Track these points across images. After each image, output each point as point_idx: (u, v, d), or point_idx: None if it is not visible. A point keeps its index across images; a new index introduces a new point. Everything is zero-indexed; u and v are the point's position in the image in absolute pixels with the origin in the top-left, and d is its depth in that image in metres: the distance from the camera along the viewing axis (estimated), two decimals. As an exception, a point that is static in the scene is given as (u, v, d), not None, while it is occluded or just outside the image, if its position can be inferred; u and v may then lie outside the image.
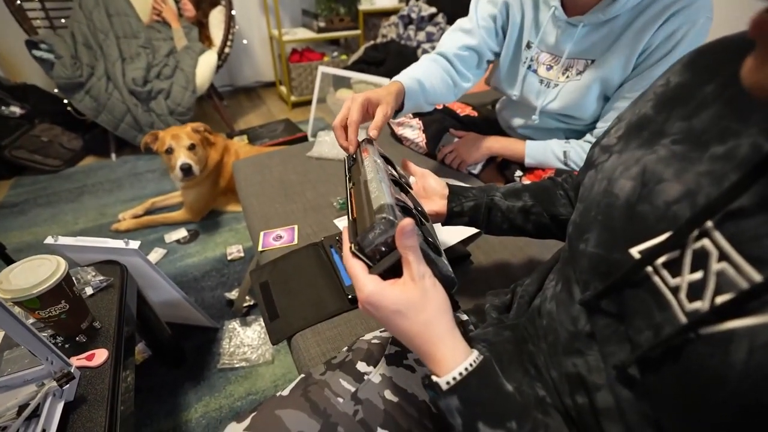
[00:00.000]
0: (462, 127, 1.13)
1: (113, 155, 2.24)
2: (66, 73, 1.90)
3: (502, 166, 1.07)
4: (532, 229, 0.60)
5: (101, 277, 0.77)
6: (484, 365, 0.34)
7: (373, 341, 0.50)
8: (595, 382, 0.35)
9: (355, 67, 2.34)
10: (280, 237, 0.86)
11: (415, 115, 1.14)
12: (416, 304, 0.34)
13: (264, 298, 0.74)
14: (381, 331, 0.55)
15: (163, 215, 1.68)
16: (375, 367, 0.46)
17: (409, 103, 0.76)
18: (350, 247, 0.38)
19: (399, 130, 1.17)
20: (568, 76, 0.84)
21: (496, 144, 1.01)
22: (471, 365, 0.33)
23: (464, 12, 0.94)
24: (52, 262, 0.62)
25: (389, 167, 0.58)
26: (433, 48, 1.02)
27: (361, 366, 0.46)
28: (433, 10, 2.25)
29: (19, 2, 2.02)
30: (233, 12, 2.35)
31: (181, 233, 1.61)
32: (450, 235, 0.83)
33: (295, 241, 0.85)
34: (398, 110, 0.76)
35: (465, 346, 0.34)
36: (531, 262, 0.79)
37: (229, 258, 1.49)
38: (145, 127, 2.10)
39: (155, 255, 1.50)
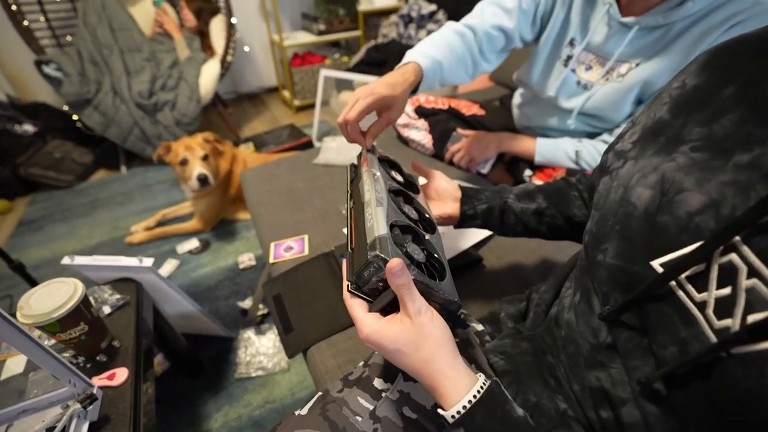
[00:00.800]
0: (469, 127, 1.12)
1: (123, 168, 2.27)
2: (74, 90, 1.93)
3: (511, 165, 1.06)
4: (546, 231, 0.59)
5: (118, 296, 0.78)
6: (489, 393, 0.33)
7: (389, 355, 0.50)
8: (620, 396, 0.34)
9: (357, 68, 2.34)
10: (291, 248, 0.87)
11: (420, 115, 1.14)
12: (414, 341, 0.34)
13: (278, 312, 0.74)
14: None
15: (175, 226, 1.70)
16: (392, 383, 0.45)
17: (423, 87, 0.72)
18: (347, 286, 0.38)
19: (404, 132, 1.16)
20: (608, 78, 0.80)
21: (505, 141, 0.99)
22: (475, 396, 0.33)
23: (465, 9, 0.89)
24: (69, 286, 0.63)
25: (392, 173, 0.57)
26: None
27: (378, 383, 0.46)
28: (433, 7, 2.23)
29: (27, 23, 2.05)
30: (233, 20, 2.36)
31: (193, 243, 1.63)
32: (462, 238, 0.83)
33: (306, 252, 0.85)
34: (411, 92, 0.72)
35: (468, 377, 0.34)
36: (545, 264, 0.78)
37: (240, 267, 1.50)
38: (153, 138, 2.13)
39: (169, 266, 1.52)
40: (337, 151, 1.20)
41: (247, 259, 1.53)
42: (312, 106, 2.56)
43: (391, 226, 0.41)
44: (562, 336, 0.43)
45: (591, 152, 0.87)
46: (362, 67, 2.32)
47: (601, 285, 0.35)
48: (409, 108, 1.16)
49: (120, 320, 0.76)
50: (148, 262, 0.81)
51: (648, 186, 0.31)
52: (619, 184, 0.35)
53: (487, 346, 0.50)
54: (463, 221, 0.60)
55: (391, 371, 0.47)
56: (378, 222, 0.39)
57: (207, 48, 2.40)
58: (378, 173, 0.50)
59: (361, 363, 0.51)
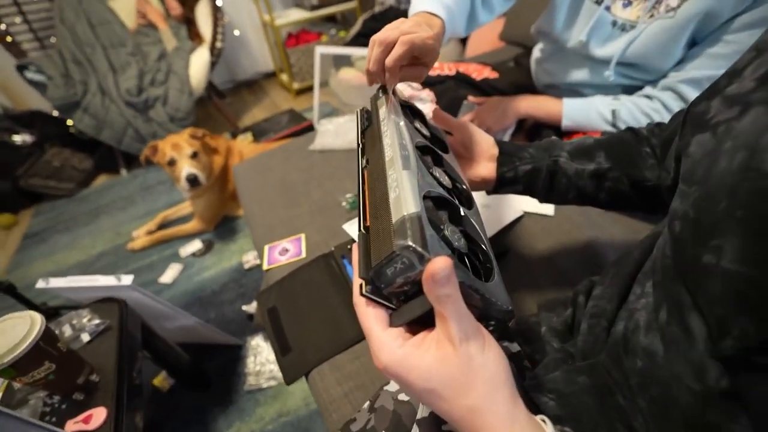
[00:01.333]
0: (481, 94, 0.97)
1: (123, 171, 2.20)
2: (60, 93, 1.84)
3: (533, 133, 0.91)
4: (605, 198, 0.47)
5: (97, 321, 0.70)
6: None
7: (399, 397, 0.38)
8: None
9: (355, 42, 2.17)
10: (287, 250, 0.76)
11: (425, 85, 0.99)
12: (457, 380, 0.23)
13: (273, 329, 0.64)
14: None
15: (176, 228, 1.62)
16: None
17: (448, 33, 0.57)
18: (361, 287, 0.26)
19: (409, 107, 1.02)
20: (653, 15, 0.64)
21: (524, 104, 0.85)
22: None
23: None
24: (25, 321, 0.54)
25: (417, 125, 0.43)
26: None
27: None
28: (432, -36, 2.01)
29: (4, 27, 1.96)
30: (219, 2, 2.21)
31: (196, 245, 1.55)
32: (487, 221, 0.70)
33: (303, 254, 0.74)
34: None
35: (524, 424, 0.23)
36: (589, 251, 0.65)
37: (246, 267, 1.41)
38: (148, 137, 2.04)
39: (172, 272, 1.45)
40: (335, 134, 1.08)
41: (252, 258, 1.44)
42: (312, 88, 2.42)
43: (423, 199, 0.29)
44: (639, 370, 0.30)
45: (632, 111, 0.72)
46: (360, 41, 2.15)
47: (711, 303, 0.23)
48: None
49: (100, 348, 0.67)
50: (127, 279, 0.72)
51: None
52: (736, 145, 0.23)
53: (529, 377, 0.38)
54: (500, 186, 0.48)
55: (402, 423, 0.36)
56: (406, 192, 0.27)
57: (195, 36, 2.27)
58: (402, 122, 0.38)
59: (367, 404, 0.41)
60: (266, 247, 0.78)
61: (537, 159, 0.47)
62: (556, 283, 0.60)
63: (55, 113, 2.06)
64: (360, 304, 0.27)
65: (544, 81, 0.92)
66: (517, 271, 0.64)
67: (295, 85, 2.68)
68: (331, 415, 0.52)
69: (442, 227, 0.29)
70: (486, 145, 0.48)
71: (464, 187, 0.40)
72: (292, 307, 0.66)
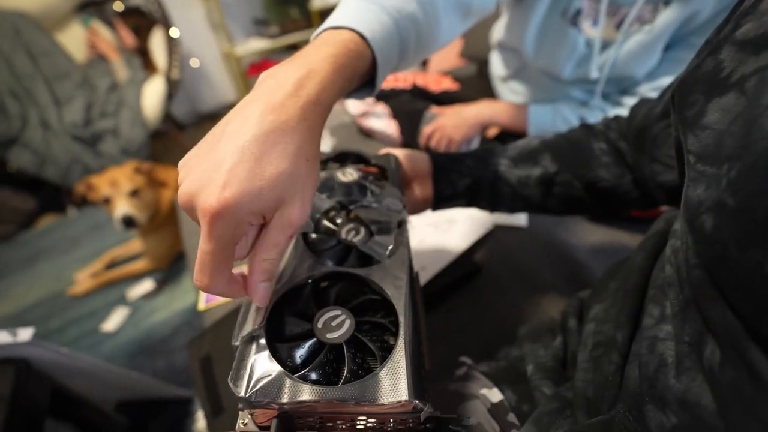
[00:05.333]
0: (441, 107, 0.92)
1: (71, 210, 2.03)
2: (-6, 128, 1.69)
3: (500, 143, 0.86)
4: (557, 206, 0.42)
5: (-18, 390, 0.56)
6: None
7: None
8: None
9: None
10: (227, 286, 0.65)
11: (379, 98, 0.93)
12: None
13: (205, 384, 0.52)
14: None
15: (125, 268, 1.46)
16: None
17: (383, 73, 0.35)
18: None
19: (364, 123, 0.95)
20: (626, 30, 0.59)
21: (487, 110, 0.80)
22: None
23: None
24: None
25: (340, 175, 0.36)
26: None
27: None
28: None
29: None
30: (176, 33, 2.15)
31: (146, 286, 1.40)
32: (454, 237, 0.62)
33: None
34: (362, 88, 0.36)
35: None
36: (568, 262, 0.58)
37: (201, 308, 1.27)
38: (98, 172, 1.90)
39: (117, 318, 1.29)
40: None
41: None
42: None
43: (300, 289, 0.28)
44: (676, 428, 0.21)
45: (599, 117, 0.68)
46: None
47: None
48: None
49: (-18, 426, 0.53)
50: (25, 334, 0.59)
51: None
52: None
53: None
54: (439, 203, 0.43)
55: None
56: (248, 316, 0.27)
57: (149, 67, 2.19)
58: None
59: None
60: (205, 284, 0.67)
61: (476, 170, 0.42)
62: (537, 304, 0.52)
63: (-11, 152, 1.89)
64: None
65: (510, 100, 0.87)
66: (491, 293, 0.55)
67: (260, 114, 2.62)
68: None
69: (311, 325, 0.26)
70: (419, 163, 0.43)
71: (388, 222, 0.33)
72: (230, 356, 0.55)
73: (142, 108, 1.97)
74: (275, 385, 0.22)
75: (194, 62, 2.68)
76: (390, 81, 0.96)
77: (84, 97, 1.89)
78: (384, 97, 0.93)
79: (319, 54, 0.28)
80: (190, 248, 0.79)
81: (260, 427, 0.23)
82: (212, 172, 0.22)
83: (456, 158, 0.43)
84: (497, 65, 0.91)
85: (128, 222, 1.25)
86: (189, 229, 0.84)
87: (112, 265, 1.55)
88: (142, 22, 2.22)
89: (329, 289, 0.29)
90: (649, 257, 0.30)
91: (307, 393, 0.22)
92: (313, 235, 0.32)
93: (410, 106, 0.89)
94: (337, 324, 0.25)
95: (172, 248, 1.48)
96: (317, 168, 0.26)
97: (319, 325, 0.25)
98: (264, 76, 0.28)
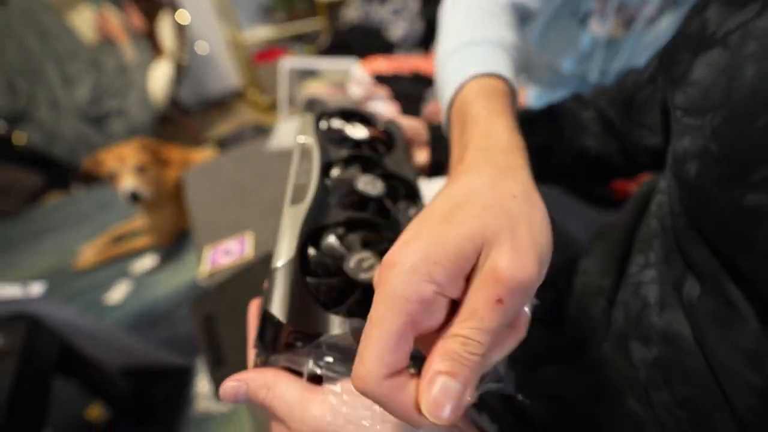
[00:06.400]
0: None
1: (76, 188, 2.06)
2: (2, 103, 1.72)
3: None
4: (545, 174, 0.42)
5: (-4, 340, 0.59)
6: None
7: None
8: None
9: (321, 56, 2.15)
10: (230, 251, 0.68)
11: (381, 81, 0.95)
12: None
13: (207, 339, 0.55)
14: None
15: (127, 243, 1.50)
16: None
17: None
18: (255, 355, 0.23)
19: (367, 107, 0.98)
20: (631, 28, 0.61)
21: None
22: None
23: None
24: None
25: (347, 130, 0.37)
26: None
27: None
28: (397, -20, 2.05)
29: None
30: (185, 18, 2.17)
31: (149, 261, 1.43)
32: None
33: (249, 253, 0.66)
34: None
35: None
36: (556, 234, 0.60)
37: (199, 294, 1.30)
38: (104, 152, 1.93)
39: (120, 291, 1.32)
40: (294, 134, 1.02)
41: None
42: (279, 103, 2.37)
43: (323, 229, 0.27)
44: (654, 360, 0.23)
45: None
46: (328, 53, 2.14)
47: (759, 260, 0.17)
48: (367, 77, 0.98)
49: (-3, 373, 0.56)
50: (37, 288, 0.62)
51: None
52: (765, 42, 0.18)
53: (506, 384, 0.30)
54: (436, 170, 0.44)
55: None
56: (284, 239, 0.24)
57: (157, 50, 2.21)
58: (311, 140, 0.33)
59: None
60: (207, 249, 0.69)
61: None
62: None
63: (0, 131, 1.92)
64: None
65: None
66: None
67: (264, 101, 2.64)
68: (266, 435, 0.43)
69: (345, 258, 0.26)
70: (416, 131, 0.44)
71: (408, 180, 0.34)
72: (232, 314, 0.58)
73: (149, 90, 2.00)
74: (312, 315, 0.22)
75: (203, 48, 2.69)
76: (392, 67, 0.98)
77: (92, 77, 1.91)
78: (385, 81, 0.96)
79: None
80: (194, 219, 0.82)
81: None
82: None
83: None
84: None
85: (133, 197, 1.28)
86: (194, 202, 0.86)
87: (116, 241, 1.58)
88: (151, 6, 2.23)
89: (353, 234, 0.28)
90: (635, 215, 0.32)
91: (339, 326, 0.21)
92: (328, 182, 0.31)
93: (409, 90, 0.91)
94: (367, 266, 0.25)
95: (174, 225, 1.51)
96: None
97: (351, 265, 0.25)
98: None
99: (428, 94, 0.89)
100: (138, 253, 1.49)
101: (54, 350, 0.67)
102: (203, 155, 1.66)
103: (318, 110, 0.39)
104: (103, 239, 1.55)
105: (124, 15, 2.17)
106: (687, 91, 0.23)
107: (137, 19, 2.16)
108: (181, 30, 2.12)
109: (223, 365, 0.51)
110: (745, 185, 0.17)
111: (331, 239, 0.26)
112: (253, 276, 0.62)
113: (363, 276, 0.24)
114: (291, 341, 0.22)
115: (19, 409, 0.53)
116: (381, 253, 0.26)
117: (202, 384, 0.98)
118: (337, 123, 0.39)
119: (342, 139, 0.36)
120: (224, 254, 0.68)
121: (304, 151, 0.32)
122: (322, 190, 0.29)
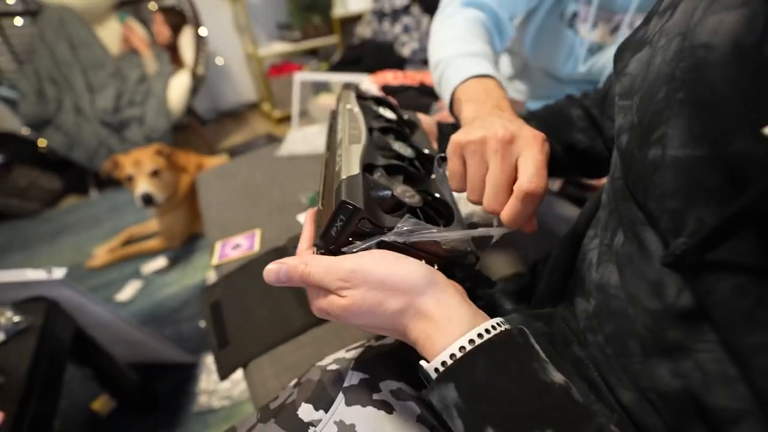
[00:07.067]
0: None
1: (93, 191, 2.14)
2: (31, 109, 1.82)
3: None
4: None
5: (18, 319, 0.63)
6: (504, 339, 0.22)
7: (330, 367, 0.34)
8: (725, 405, 0.18)
9: (333, 69, 2.24)
10: (239, 245, 0.71)
11: (387, 92, 1.00)
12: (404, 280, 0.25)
13: (214, 322, 0.59)
14: (347, 350, 0.39)
15: (139, 245, 1.55)
16: (327, 411, 0.30)
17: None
18: (315, 251, 0.29)
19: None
20: (618, 34, 0.65)
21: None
22: (481, 335, 0.22)
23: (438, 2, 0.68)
24: None
25: (380, 112, 0.45)
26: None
27: (305, 411, 0.30)
28: (406, 1, 2.14)
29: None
30: (206, 33, 2.28)
31: (160, 263, 1.47)
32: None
33: (256, 248, 0.70)
34: None
35: (470, 314, 0.24)
36: (540, 232, 0.63)
37: (209, 283, 1.34)
38: (122, 157, 2.00)
39: (131, 289, 1.36)
40: (304, 141, 1.07)
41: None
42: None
43: (371, 167, 0.33)
44: (592, 310, 0.27)
45: None
46: (338, 68, 2.22)
47: (663, 200, 0.21)
48: (374, 88, 1.03)
49: (16, 349, 0.60)
50: (59, 273, 0.66)
51: (733, 6, 0.17)
52: (669, 37, 0.22)
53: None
54: (443, 160, 0.48)
55: (326, 391, 0.31)
56: (348, 161, 0.31)
57: (177, 62, 2.31)
58: (356, 108, 0.41)
59: (293, 382, 0.36)
60: (218, 243, 0.73)
61: None
62: (514, 265, 0.57)
63: (25, 131, 2.02)
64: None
65: (515, 99, 0.93)
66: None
67: (276, 114, 2.72)
68: (235, 424, 0.46)
69: (392, 188, 0.32)
70: (428, 126, 0.49)
71: (429, 152, 0.41)
72: (238, 301, 0.61)
73: (168, 99, 2.09)
74: (375, 213, 0.28)
75: (219, 60, 2.81)
76: (399, 78, 1.03)
77: (115, 86, 2.01)
78: (392, 92, 1.00)
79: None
80: (206, 216, 0.86)
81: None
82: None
83: (457, 126, 0.49)
84: (504, 65, 0.97)
85: (147, 199, 1.34)
86: (206, 201, 0.91)
87: (128, 243, 1.63)
88: (173, 21, 2.35)
89: (394, 175, 0.35)
90: (596, 201, 0.35)
91: (409, 224, 0.27)
92: (376, 134, 0.38)
93: (415, 101, 0.96)
94: (410, 195, 0.32)
95: (186, 229, 1.56)
96: None
97: (398, 191, 0.31)
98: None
99: (434, 105, 0.94)
100: (149, 254, 1.54)
101: (69, 335, 0.71)
102: (216, 162, 1.72)
103: (356, 90, 0.47)
104: (116, 240, 1.61)
105: (148, 28, 2.29)
106: (622, 80, 0.27)
107: (165, 31, 2.26)
108: (200, 43, 2.23)
109: (227, 345, 0.54)
110: (648, 143, 0.22)
111: (380, 173, 0.33)
112: (257, 269, 0.65)
113: (408, 200, 0.31)
114: (358, 229, 0.27)
115: (37, 384, 0.56)
116: (417, 192, 0.33)
117: (206, 380, 1.00)
118: (370, 104, 0.46)
119: (376, 116, 0.43)
120: (233, 248, 0.71)
121: (352, 115, 0.39)
122: (371, 141, 0.36)
